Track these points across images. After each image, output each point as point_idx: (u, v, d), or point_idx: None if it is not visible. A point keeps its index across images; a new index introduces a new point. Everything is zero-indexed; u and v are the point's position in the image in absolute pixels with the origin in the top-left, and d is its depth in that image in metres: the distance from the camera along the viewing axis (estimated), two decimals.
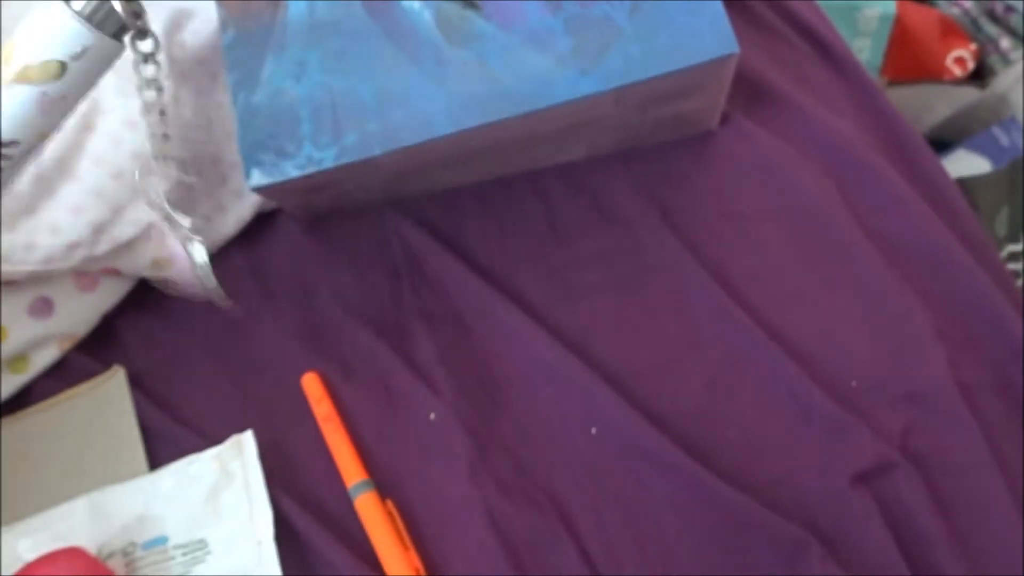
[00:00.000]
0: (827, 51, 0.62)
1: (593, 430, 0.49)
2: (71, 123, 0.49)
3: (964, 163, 1.00)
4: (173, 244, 0.53)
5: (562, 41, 0.49)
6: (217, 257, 0.59)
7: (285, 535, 0.47)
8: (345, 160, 0.49)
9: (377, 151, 0.49)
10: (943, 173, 0.56)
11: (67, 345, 0.56)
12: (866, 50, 1.03)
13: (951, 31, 1.08)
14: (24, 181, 0.48)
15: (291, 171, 0.50)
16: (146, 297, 0.58)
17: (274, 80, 0.51)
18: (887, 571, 0.43)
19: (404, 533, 0.47)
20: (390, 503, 0.49)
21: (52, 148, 0.48)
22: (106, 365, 0.55)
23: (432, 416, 0.51)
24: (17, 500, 0.50)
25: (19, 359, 0.54)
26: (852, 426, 0.46)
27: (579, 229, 0.56)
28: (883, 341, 0.49)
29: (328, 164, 0.49)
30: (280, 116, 0.51)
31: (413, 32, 0.51)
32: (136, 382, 0.54)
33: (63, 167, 0.49)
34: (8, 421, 0.54)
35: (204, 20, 0.56)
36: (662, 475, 0.47)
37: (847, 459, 0.46)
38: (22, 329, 0.53)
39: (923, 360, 0.48)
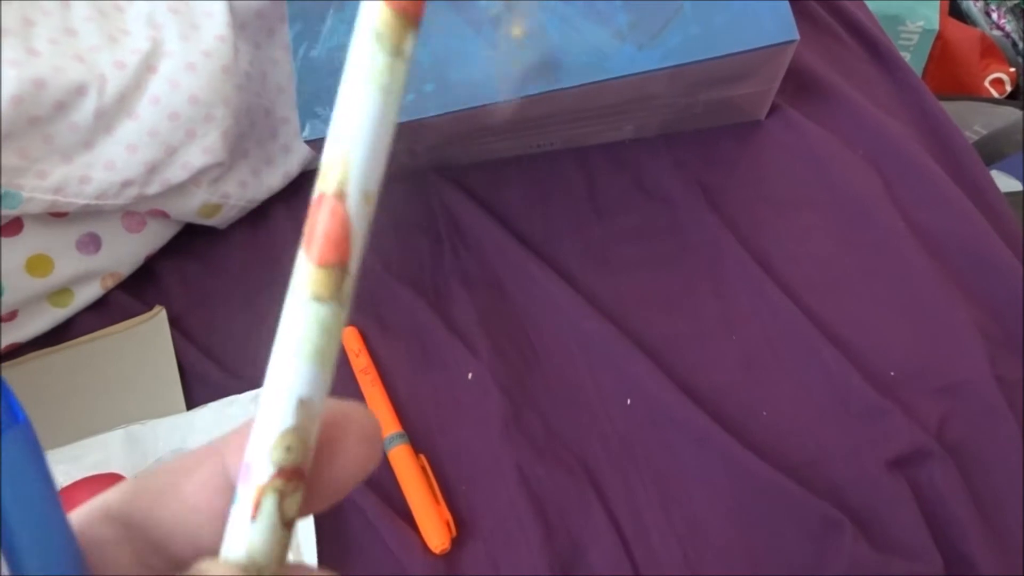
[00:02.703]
0: (877, 51, 0.62)
1: (627, 401, 0.50)
2: (135, 62, 0.50)
3: (997, 183, 1.00)
4: None
5: (621, 16, 0.49)
6: (261, 211, 0.60)
7: None
8: (400, 119, 0.50)
9: (432, 112, 0.49)
10: (986, 174, 0.57)
11: (109, 283, 0.56)
12: None
13: (991, 52, 1.08)
14: (85, 114, 0.49)
15: None
16: (188, 243, 0.59)
17: (334, 35, 0.52)
18: (918, 556, 0.43)
19: (436, 487, 0.48)
20: (423, 457, 0.49)
21: (115, 85, 0.49)
22: (146, 305, 0.56)
23: (469, 376, 0.51)
24: (55, 429, 0.50)
25: (63, 292, 0.55)
26: (889, 413, 0.46)
27: (620, 205, 0.57)
28: (923, 333, 0.49)
29: None
30: (338, 71, 0.51)
31: None
32: (175, 324, 0.55)
33: (123, 105, 0.50)
34: (49, 353, 0.54)
35: None
36: (694, 447, 0.47)
37: (883, 444, 0.46)
38: (69, 262, 0.53)
39: (962, 353, 0.48)
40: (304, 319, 0.16)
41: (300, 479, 0.16)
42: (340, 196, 0.16)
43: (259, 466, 0.16)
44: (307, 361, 0.16)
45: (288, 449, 0.16)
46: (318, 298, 0.16)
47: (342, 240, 0.16)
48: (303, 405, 0.16)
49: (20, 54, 0.47)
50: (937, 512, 0.44)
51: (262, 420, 0.16)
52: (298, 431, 0.16)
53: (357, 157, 0.16)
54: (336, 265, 0.16)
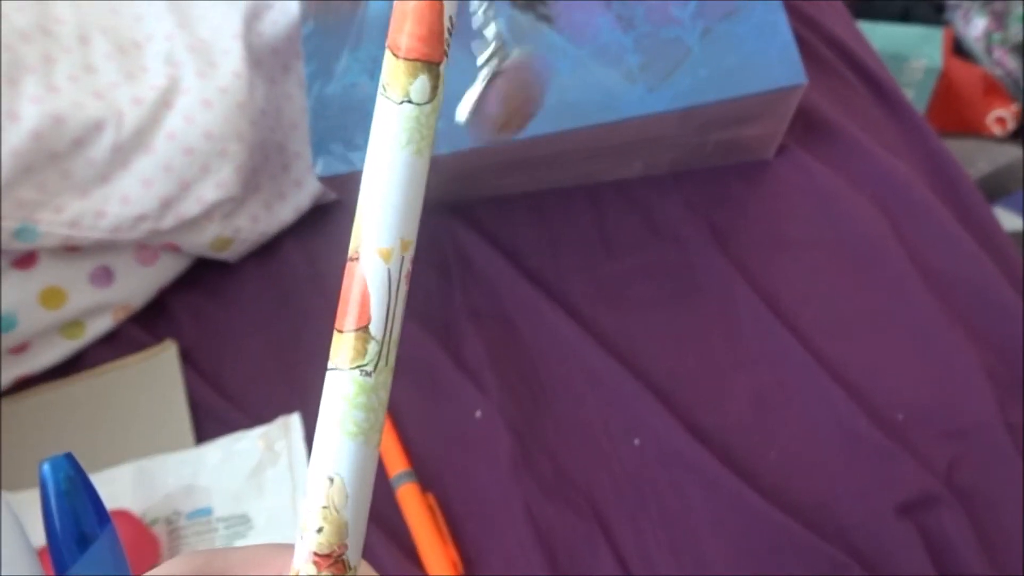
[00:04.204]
0: (882, 92, 0.63)
1: (636, 441, 0.50)
2: (152, 99, 0.51)
3: (1000, 220, 1.01)
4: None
5: (631, 58, 0.50)
6: (273, 244, 0.60)
7: None
8: None
9: (443, 150, 0.50)
10: (992, 216, 0.57)
11: (121, 315, 0.57)
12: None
13: (994, 90, 1.09)
14: (103, 150, 0.49)
15: (359, 163, 0.51)
16: (200, 276, 0.59)
17: (349, 74, 0.53)
18: None
19: (443, 526, 0.48)
20: (431, 496, 0.49)
21: (132, 121, 0.50)
22: (157, 339, 0.56)
23: (478, 414, 0.51)
24: None
25: (75, 324, 0.55)
26: (898, 457, 0.47)
27: (631, 243, 0.57)
28: (931, 376, 0.49)
29: None
30: (352, 109, 0.52)
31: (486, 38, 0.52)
32: (185, 357, 0.55)
33: (140, 140, 0.50)
34: (60, 385, 0.54)
35: (281, 12, 0.58)
36: (703, 489, 0.47)
37: (891, 489, 0.46)
38: (81, 295, 0.54)
39: (971, 397, 0.48)
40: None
41: (334, 566, 0.15)
42: None
43: (297, 549, 0.16)
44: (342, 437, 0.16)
45: (319, 531, 0.15)
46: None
47: None
48: (330, 483, 0.16)
49: (41, 91, 0.47)
50: (945, 557, 0.44)
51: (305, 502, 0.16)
52: (327, 511, 0.15)
53: None
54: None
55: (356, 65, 0.53)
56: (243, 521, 0.47)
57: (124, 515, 0.44)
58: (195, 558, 0.18)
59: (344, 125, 0.52)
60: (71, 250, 0.53)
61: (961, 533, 0.44)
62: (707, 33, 0.49)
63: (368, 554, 0.46)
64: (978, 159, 1.04)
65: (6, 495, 0.48)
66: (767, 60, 0.48)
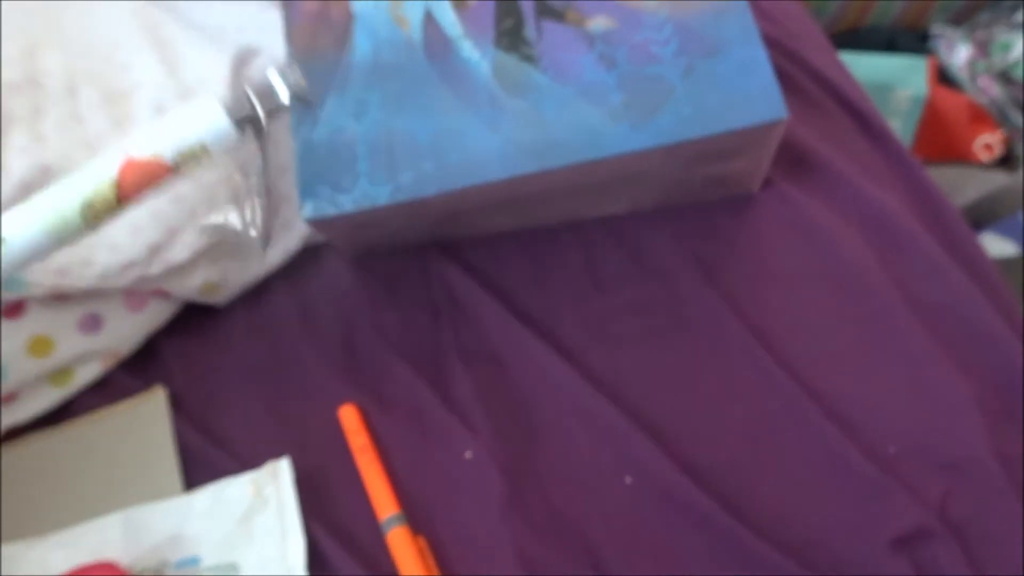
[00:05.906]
0: (866, 124, 0.64)
1: (628, 479, 0.49)
2: None
3: (991, 246, 1.01)
4: None
5: (615, 96, 0.50)
6: (262, 287, 0.60)
7: (316, 564, 0.47)
8: (399, 198, 0.51)
9: (431, 191, 0.50)
10: (979, 246, 0.57)
11: (110, 362, 0.57)
12: (897, 130, 1.05)
13: (979, 117, 1.11)
14: None
15: (346, 205, 0.51)
16: (189, 321, 0.59)
17: (335, 117, 0.53)
18: None
19: (435, 569, 0.47)
20: (421, 539, 0.48)
21: None
22: (147, 385, 0.56)
23: (468, 454, 0.51)
24: (51, 512, 0.50)
25: (63, 372, 0.55)
26: (890, 491, 0.46)
27: (618, 280, 0.57)
28: (922, 408, 0.49)
29: (382, 201, 0.51)
30: (338, 152, 0.52)
31: (471, 79, 0.53)
32: (175, 403, 0.55)
33: None
34: (47, 434, 0.54)
35: (269, 57, 0.59)
36: (696, 527, 0.47)
37: (884, 523, 0.46)
38: (70, 343, 0.54)
39: (963, 429, 0.48)
40: None
41: None
42: None
43: None
44: None
45: None
46: None
47: None
48: None
49: (28, 141, 0.48)
50: None
51: None
52: None
53: None
54: None
55: (342, 109, 0.53)
56: (232, 569, 0.46)
57: (110, 567, 0.43)
58: None
59: (331, 168, 0.52)
60: (59, 298, 0.53)
61: (956, 567, 0.44)
62: (689, 71, 0.50)
63: None
64: (967, 186, 1.05)
65: None
66: (748, 96, 0.49)
